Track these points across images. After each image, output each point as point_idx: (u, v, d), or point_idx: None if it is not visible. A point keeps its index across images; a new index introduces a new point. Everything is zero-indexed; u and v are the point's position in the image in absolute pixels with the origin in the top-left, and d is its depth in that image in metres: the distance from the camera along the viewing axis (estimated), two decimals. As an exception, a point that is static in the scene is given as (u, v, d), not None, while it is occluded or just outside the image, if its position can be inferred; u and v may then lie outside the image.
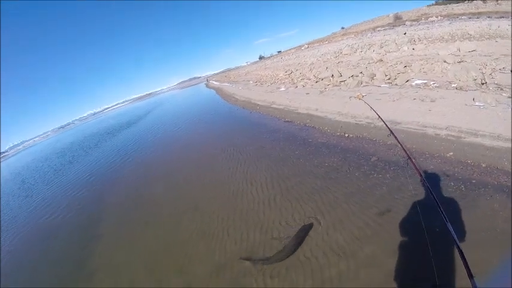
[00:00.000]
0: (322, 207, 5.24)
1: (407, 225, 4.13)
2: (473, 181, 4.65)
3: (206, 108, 25.28)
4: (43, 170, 22.76)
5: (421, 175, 2.72)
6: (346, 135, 8.31)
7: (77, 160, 20.91)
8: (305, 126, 10.49)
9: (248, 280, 4.15)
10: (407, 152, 3.16)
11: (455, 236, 1.63)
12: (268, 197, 6.23)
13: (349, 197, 5.32)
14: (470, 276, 1.30)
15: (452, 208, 4.09)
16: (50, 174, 19.02)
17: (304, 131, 9.95)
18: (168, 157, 13.08)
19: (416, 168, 2.81)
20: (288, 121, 11.92)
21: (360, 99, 10.57)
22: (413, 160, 2.96)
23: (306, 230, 4.57)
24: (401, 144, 3.29)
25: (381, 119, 4.55)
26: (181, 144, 14.87)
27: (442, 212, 1.94)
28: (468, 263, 1.41)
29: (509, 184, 4.26)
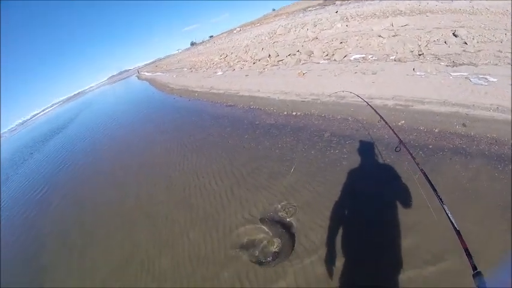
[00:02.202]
0: (285, 193, 4.84)
1: (378, 204, 3.97)
2: (430, 146, 4.71)
3: (140, 102, 22.73)
4: None
5: (411, 154, 2.41)
6: (294, 113, 8.05)
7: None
8: (249, 108, 9.99)
9: None
10: (399, 136, 2.81)
11: (450, 216, 1.48)
12: (224, 189, 5.57)
13: (312, 177, 5.01)
14: (469, 255, 1.24)
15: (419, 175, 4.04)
16: None
17: (250, 114, 9.46)
18: (98, 164, 11.35)
19: (407, 150, 2.48)
20: (230, 105, 11.28)
21: (301, 76, 10.53)
22: (403, 142, 2.66)
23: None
24: (392, 129, 3.00)
25: (369, 104, 4.20)
26: (112, 147, 13.04)
27: (435, 192, 1.70)
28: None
29: (465, 146, 4.39)
